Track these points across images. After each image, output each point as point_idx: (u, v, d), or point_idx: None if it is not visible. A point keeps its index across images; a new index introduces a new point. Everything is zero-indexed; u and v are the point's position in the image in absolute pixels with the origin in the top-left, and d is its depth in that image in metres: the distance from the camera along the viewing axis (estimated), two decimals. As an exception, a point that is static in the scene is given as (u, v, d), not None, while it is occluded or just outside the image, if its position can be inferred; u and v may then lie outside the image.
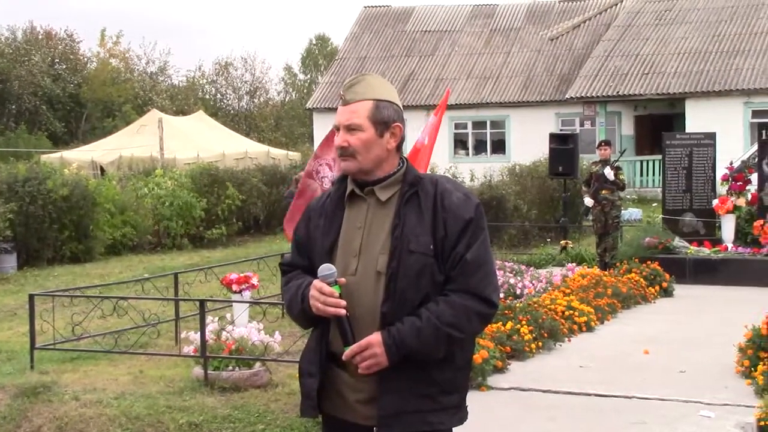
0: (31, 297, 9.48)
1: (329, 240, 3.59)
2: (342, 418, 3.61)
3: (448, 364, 3.51)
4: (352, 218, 3.60)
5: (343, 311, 3.43)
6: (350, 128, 3.56)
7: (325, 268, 3.47)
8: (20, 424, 7.77)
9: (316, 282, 3.48)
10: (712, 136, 16.73)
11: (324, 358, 3.58)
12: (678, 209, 16.36)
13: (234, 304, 10.47)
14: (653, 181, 31.97)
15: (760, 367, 8.06)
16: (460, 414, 3.59)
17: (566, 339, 10.27)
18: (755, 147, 17.61)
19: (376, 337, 3.41)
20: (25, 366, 9.36)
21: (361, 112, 3.56)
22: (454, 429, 3.62)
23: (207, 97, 60.98)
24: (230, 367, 8.35)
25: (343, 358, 3.46)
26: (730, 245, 15.32)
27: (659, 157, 22.23)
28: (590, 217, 16.36)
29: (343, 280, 3.48)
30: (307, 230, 3.71)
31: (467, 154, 36.98)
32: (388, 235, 3.50)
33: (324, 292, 3.44)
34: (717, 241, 15.63)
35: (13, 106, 51.40)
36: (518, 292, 12.39)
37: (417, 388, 3.47)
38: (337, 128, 3.62)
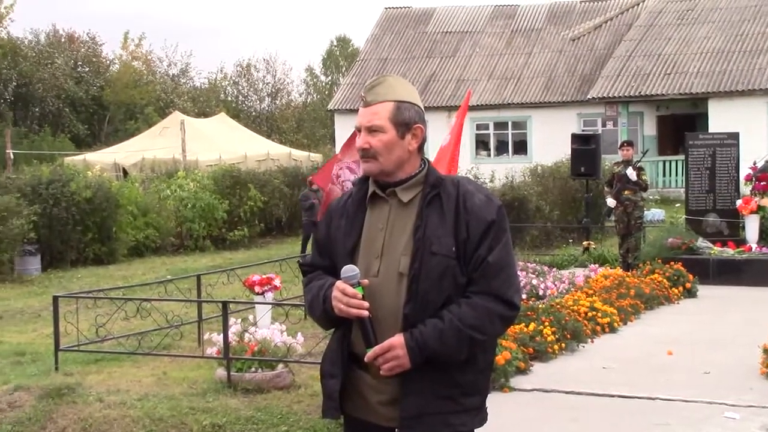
0: (55, 299, 9.54)
1: (351, 241, 3.59)
2: (364, 420, 3.61)
3: (470, 366, 3.51)
4: (374, 219, 3.59)
5: (366, 313, 3.43)
6: (371, 130, 3.56)
7: (348, 269, 3.47)
8: (45, 425, 7.82)
9: (338, 283, 3.48)
10: (735, 136, 16.64)
11: (346, 359, 3.58)
12: (701, 210, 16.28)
13: (256, 305, 10.48)
14: (676, 181, 31.80)
15: (785, 369, 8.02)
16: (481, 416, 3.59)
17: (589, 340, 10.24)
18: (779, 147, 17.51)
19: (398, 339, 3.41)
20: (50, 367, 9.42)
21: (382, 114, 3.56)
22: (475, 431, 3.62)
23: (229, 99, 61.21)
24: (253, 369, 8.36)
25: (366, 359, 3.46)
26: (754, 246, 15.22)
27: (682, 157, 22.15)
28: (613, 218, 16.30)
29: (366, 281, 3.47)
30: (328, 231, 3.71)
31: (489, 155, 36.90)
32: (410, 237, 3.50)
33: (347, 293, 3.43)
34: (741, 242, 15.53)
35: (37, 109, 51.72)
36: (541, 293, 12.37)
37: (439, 389, 3.46)
38: (358, 129, 3.62)
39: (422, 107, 3.65)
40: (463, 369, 3.49)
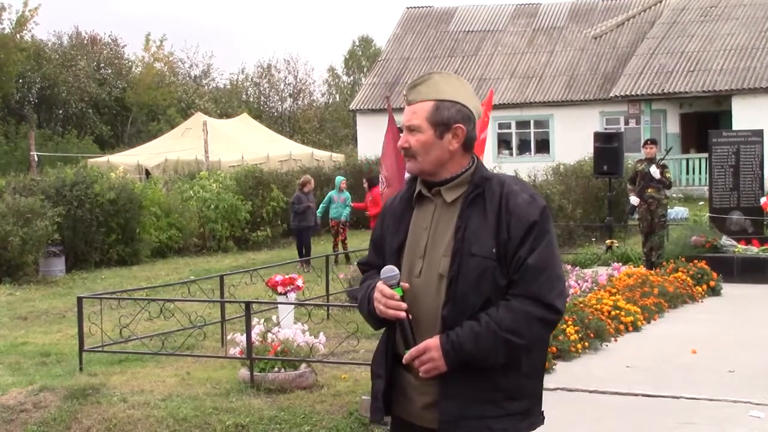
0: (80, 300, 9.58)
1: (398, 240, 3.57)
2: (408, 421, 3.58)
3: (513, 370, 3.43)
4: (419, 219, 3.57)
5: (403, 314, 3.40)
6: (410, 129, 3.54)
7: (388, 270, 3.45)
8: (70, 425, 7.86)
9: (379, 284, 3.46)
10: (759, 133, 16.56)
11: (390, 360, 3.56)
12: (725, 207, 16.20)
13: (279, 305, 10.50)
14: (700, 179, 31.61)
15: (811, 367, 7.97)
16: (529, 420, 3.51)
17: (612, 339, 10.20)
18: (804, 144, 17.38)
19: (434, 341, 3.37)
20: (74, 368, 9.47)
21: (420, 113, 3.52)
22: None
23: (251, 99, 61.35)
24: (276, 369, 8.38)
25: (404, 361, 3.43)
26: (778, 243, 15.14)
27: (705, 155, 22.02)
28: (636, 216, 16.22)
29: (406, 285, 3.44)
30: (382, 230, 3.71)
31: (511, 154, 36.81)
32: (451, 237, 3.45)
33: (385, 294, 3.41)
34: (765, 240, 15.43)
35: (60, 111, 52.04)
36: (564, 292, 12.32)
37: (479, 393, 3.41)
38: (400, 129, 3.62)
39: (468, 106, 3.56)
40: (505, 373, 3.42)
